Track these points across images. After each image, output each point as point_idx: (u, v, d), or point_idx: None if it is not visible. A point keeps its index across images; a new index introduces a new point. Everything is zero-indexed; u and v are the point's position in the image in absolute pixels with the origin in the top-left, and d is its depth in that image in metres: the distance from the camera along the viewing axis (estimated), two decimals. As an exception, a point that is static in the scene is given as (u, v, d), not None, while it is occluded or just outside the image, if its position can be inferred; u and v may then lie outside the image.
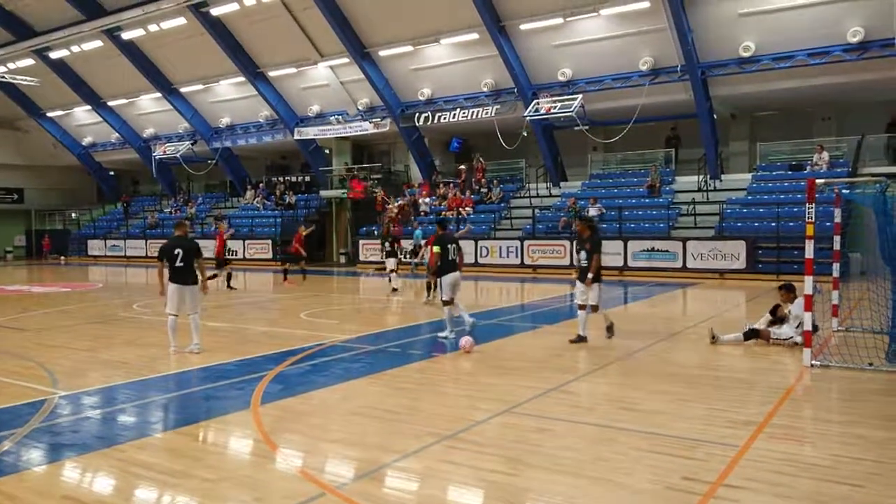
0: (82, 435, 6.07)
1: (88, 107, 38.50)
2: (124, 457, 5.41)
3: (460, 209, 28.33)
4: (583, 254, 10.19)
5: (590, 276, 9.93)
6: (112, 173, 44.97)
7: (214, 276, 18.70)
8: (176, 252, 9.48)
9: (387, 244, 19.30)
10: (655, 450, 5.43)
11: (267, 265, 30.49)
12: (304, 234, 22.09)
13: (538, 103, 26.13)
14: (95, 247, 38.36)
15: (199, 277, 9.79)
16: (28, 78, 36.11)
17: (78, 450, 5.63)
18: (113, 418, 6.68)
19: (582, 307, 10.18)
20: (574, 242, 10.47)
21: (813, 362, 8.29)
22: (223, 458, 5.56)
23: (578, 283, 10.28)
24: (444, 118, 28.70)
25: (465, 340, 9.59)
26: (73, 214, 44.16)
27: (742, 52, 22.86)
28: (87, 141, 41.90)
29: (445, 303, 10.63)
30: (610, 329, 10.21)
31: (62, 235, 41.64)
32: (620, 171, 28.84)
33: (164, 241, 10.17)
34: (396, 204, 29.62)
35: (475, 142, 31.26)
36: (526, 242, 25.08)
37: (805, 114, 26.08)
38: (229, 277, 19.80)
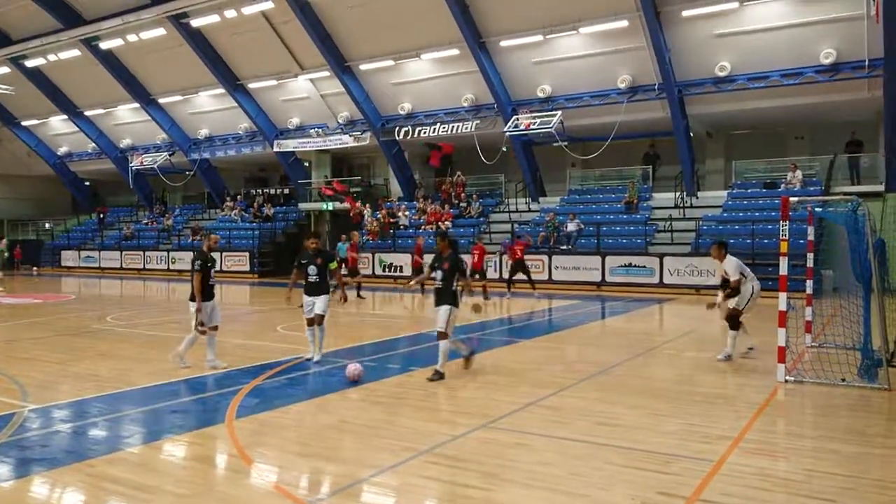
0: (52, 449, 5.94)
1: (65, 116, 38.05)
2: (95, 472, 5.31)
3: (439, 223, 28.36)
4: (439, 273, 8.98)
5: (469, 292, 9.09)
6: (88, 183, 44.43)
7: (346, 283, 18.68)
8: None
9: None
10: (632, 465, 5.44)
11: (244, 278, 30.25)
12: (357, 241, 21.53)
13: (517, 119, 26.33)
14: (69, 258, 37.77)
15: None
16: (2, 86, 35.64)
17: (47, 464, 5.52)
18: (84, 432, 6.56)
19: (442, 336, 8.74)
20: (434, 260, 9.22)
21: (787, 378, 8.38)
22: (196, 473, 5.48)
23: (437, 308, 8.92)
24: (425, 132, 28.80)
25: (353, 368, 8.46)
26: (47, 225, 43.51)
27: (718, 72, 23.26)
28: (62, 150, 41.39)
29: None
30: (467, 360, 9.21)
31: (35, 246, 40.95)
32: (599, 187, 29.09)
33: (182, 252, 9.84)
34: (375, 217, 29.64)
35: (455, 156, 31.33)
36: (505, 257, 25.11)
37: (779, 133, 26.56)
38: (359, 288, 20.58)
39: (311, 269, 9.66)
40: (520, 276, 20.92)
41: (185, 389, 8.21)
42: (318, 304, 9.74)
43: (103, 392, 8.06)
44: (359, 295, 20.32)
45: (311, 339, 9.84)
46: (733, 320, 9.96)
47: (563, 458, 5.62)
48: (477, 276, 19.86)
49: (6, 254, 22.74)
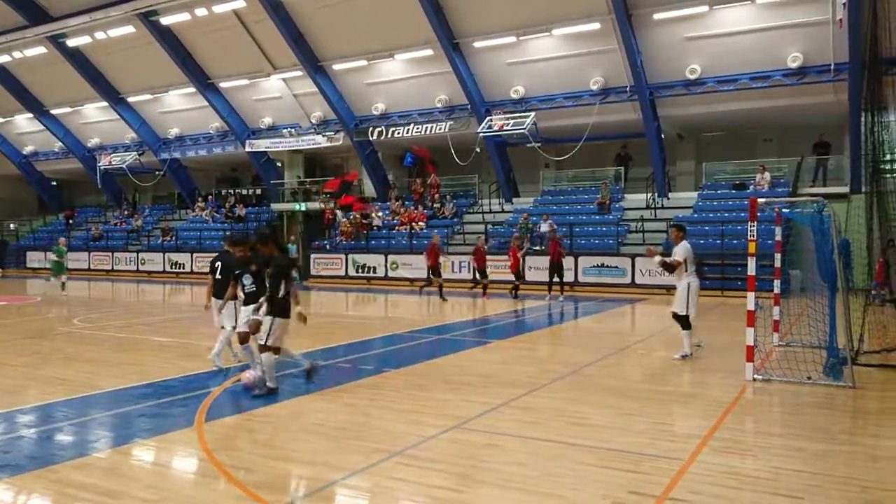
0: (15, 455, 5.80)
1: (30, 114, 37.30)
2: (59, 477, 5.20)
3: (413, 223, 28.33)
4: (248, 278, 8.47)
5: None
6: (54, 183, 43.59)
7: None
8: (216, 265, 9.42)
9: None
10: (603, 464, 5.48)
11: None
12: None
13: (491, 120, 26.41)
14: (35, 259, 36.99)
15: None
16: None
17: (10, 471, 5.38)
18: (49, 437, 6.42)
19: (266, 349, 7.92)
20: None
21: (755, 376, 8.50)
22: (164, 478, 5.39)
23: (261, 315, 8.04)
24: (398, 133, 28.75)
25: (249, 375, 7.94)
26: (12, 225, 42.58)
27: (688, 75, 23.57)
28: (28, 150, 40.55)
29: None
30: (309, 373, 8.42)
31: (-1, 247, 40.12)
32: (572, 188, 29.29)
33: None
34: (348, 218, 29.51)
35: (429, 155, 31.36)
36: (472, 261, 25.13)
37: (748, 135, 26.98)
38: (441, 290, 20.41)
39: (247, 280, 8.62)
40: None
41: (154, 393, 8.08)
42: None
43: (70, 396, 7.90)
44: (441, 297, 20.05)
45: (248, 354, 8.79)
46: (684, 320, 10.13)
47: (536, 459, 5.63)
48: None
49: (64, 257, 21.71)
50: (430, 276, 20.62)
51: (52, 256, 22.03)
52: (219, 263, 9.34)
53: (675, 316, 10.21)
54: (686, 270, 10.08)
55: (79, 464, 5.54)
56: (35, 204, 44.75)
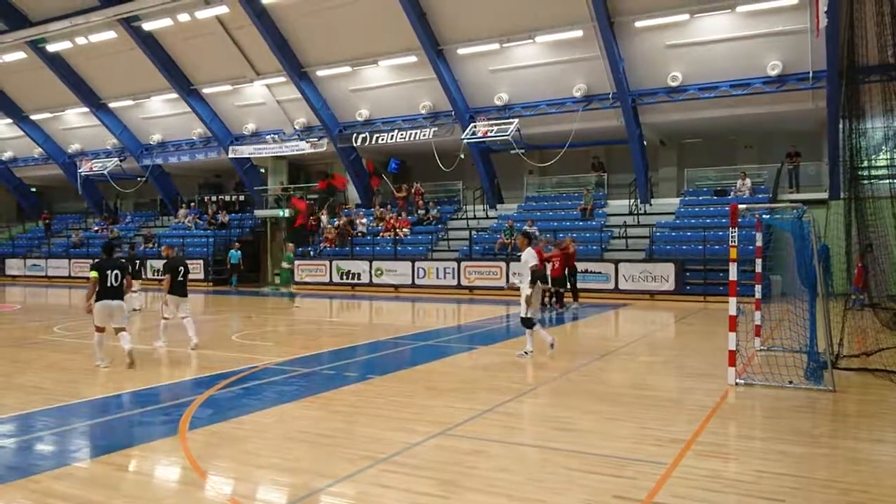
0: (-6, 466, 5.73)
1: (9, 120, 36.92)
2: (40, 488, 5.13)
3: (397, 230, 28.32)
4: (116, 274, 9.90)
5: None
6: (34, 190, 43.09)
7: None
8: (180, 268, 11.73)
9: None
10: (587, 469, 5.50)
11: (198, 286, 29.66)
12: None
13: (475, 126, 26.50)
14: (14, 266, 36.51)
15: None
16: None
17: (-11, 481, 5.31)
18: (29, 447, 6.34)
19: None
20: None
21: (737, 381, 8.58)
22: (147, 488, 5.34)
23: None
24: (382, 139, 28.76)
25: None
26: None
27: (670, 82, 23.81)
28: (6, 156, 40.09)
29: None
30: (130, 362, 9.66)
31: (-23, 254, 39.53)
32: (555, 194, 29.45)
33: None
34: (333, 225, 29.45)
35: (413, 163, 31.42)
36: (463, 264, 25.22)
37: (729, 142, 27.29)
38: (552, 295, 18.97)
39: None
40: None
41: (136, 401, 8.01)
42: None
43: (50, 405, 7.80)
44: (554, 302, 18.98)
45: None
46: (527, 321, 10.58)
47: (521, 464, 5.65)
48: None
49: (292, 264, 20.52)
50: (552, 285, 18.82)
51: (283, 264, 20.65)
52: (181, 267, 11.76)
53: (525, 319, 10.70)
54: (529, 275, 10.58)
55: (60, 473, 5.48)
56: (14, 211, 44.22)
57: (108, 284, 9.87)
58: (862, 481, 5.29)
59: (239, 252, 28.89)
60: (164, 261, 12.14)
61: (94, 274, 9.86)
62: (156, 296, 20.20)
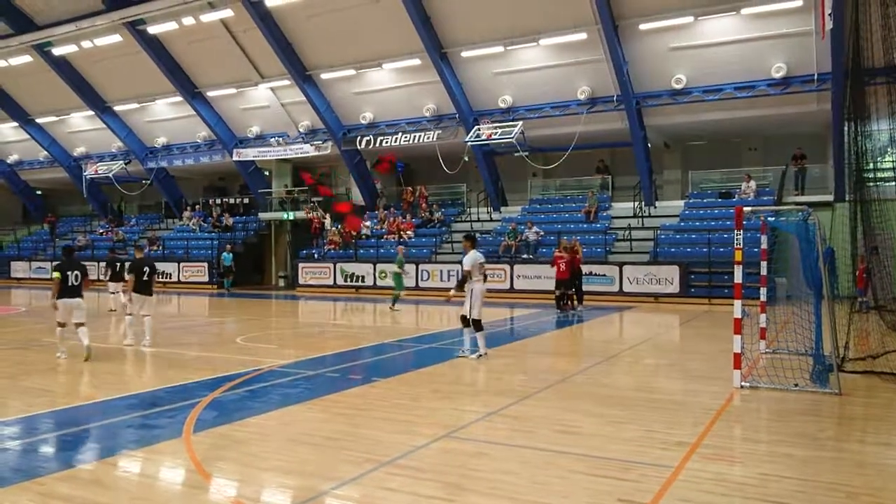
0: None
1: (15, 123, 37.06)
2: (45, 490, 5.14)
3: (401, 232, 28.34)
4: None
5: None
6: (39, 192, 43.25)
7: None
8: (145, 269, 12.27)
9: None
10: (592, 472, 5.49)
11: (203, 288, 29.73)
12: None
13: (479, 129, 26.51)
14: (19, 269, 36.64)
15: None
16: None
17: (-6, 484, 5.32)
18: (34, 449, 6.36)
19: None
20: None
21: (742, 383, 8.55)
22: (152, 490, 5.35)
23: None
24: (387, 142, 28.78)
25: None
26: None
27: (674, 85, 23.78)
28: (12, 158, 40.23)
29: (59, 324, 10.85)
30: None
31: (-17, 257, 39.69)
32: (559, 196, 29.43)
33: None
34: (337, 228, 29.47)
35: (417, 166, 31.44)
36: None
37: (733, 144, 27.24)
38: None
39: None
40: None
41: (141, 403, 8.02)
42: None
43: (55, 407, 7.82)
44: (564, 305, 18.88)
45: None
46: (476, 323, 10.71)
47: (525, 467, 5.64)
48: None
49: (403, 269, 19.59)
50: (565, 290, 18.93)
51: (394, 268, 19.84)
52: (146, 267, 12.29)
53: (464, 319, 10.83)
54: (473, 277, 10.73)
55: (65, 476, 5.49)
56: (19, 213, 44.37)
57: (70, 284, 10.65)
58: (868, 485, 5.27)
59: (231, 255, 28.93)
60: (130, 262, 12.99)
61: (56, 275, 10.62)
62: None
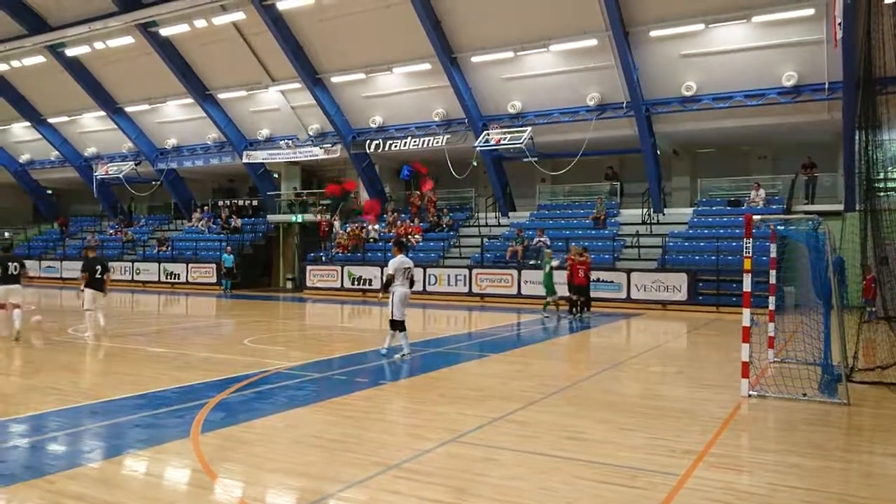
0: (9, 465, 5.78)
1: (27, 123, 37.31)
2: (54, 488, 5.18)
3: (409, 236, 28.36)
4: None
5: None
6: (50, 192, 43.53)
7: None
8: (97, 267, 13.60)
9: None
10: (599, 479, 5.48)
11: (211, 290, 29.83)
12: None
13: (488, 134, 26.53)
14: (29, 268, 36.70)
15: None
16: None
17: (4, 480, 5.36)
18: (43, 447, 6.40)
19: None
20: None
21: (750, 392, 8.52)
22: (159, 489, 5.38)
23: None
24: (396, 146, 28.83)
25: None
26: (7, 234, 42.43)
27: (684, 92, 23.74)
28: (24, 158, 40.50)
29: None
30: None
31: (-7, 255, 39.85)
32: (568, 202, 29.40)
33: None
34: (346, 231, 29.53)
35: (426, 171, 31.44)
36: (474, 271, 25.22)
37: (743, 152, 27.16)
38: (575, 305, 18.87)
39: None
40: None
41: (149, 403, 8.06)
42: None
43: (64, 406, 7.87)
44: (576, 310, 18.72)
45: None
46: (399, 325, 11.19)
47: (531, 473, 5.63)
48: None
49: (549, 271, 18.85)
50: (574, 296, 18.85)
51: (546, 268, 18.88)
52: (99, 266, 13.63)
53: (391, 321, 11.23)
54: (396, 281, 11.15)
55: (73, 474, 5.52)
56: (30, 213, 44.64)
57: (9, 273, 13.20)
58: (876, 495, 5.24)
59: (231, 256, 28.97)
60: (84, 260, 14.17)
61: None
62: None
